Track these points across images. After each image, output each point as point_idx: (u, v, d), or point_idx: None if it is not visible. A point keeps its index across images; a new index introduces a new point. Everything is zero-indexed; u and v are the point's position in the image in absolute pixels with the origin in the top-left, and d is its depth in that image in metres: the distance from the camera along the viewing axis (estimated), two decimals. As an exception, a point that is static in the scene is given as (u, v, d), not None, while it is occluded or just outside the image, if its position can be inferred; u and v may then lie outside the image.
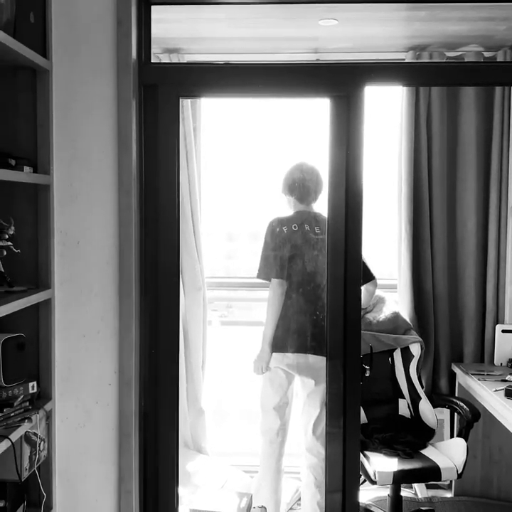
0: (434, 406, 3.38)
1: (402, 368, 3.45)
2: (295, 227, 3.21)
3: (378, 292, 3.63)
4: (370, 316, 3.56)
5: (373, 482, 2.88)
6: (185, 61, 3.42)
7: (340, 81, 2.24)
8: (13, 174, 1.99)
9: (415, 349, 3.41)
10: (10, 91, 2.16)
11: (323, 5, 2.73)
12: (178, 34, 3.26)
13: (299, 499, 3.44)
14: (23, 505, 2.21)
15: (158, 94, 2.26)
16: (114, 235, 2.25)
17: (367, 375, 2.42)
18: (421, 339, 3.46)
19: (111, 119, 2.21)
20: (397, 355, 3.45)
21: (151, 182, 2.31)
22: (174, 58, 3.33)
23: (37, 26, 2.09)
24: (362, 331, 3.38)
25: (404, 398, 3.40)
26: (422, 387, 3.40)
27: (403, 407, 3.41)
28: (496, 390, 3.02)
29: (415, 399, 3.38)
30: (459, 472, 2.91)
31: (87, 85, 2.20)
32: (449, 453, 3.06)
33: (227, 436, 4.29)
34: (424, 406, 3.35)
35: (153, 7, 2.30)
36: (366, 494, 3.47)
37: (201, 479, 3.50)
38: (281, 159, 3.72)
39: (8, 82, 2.16)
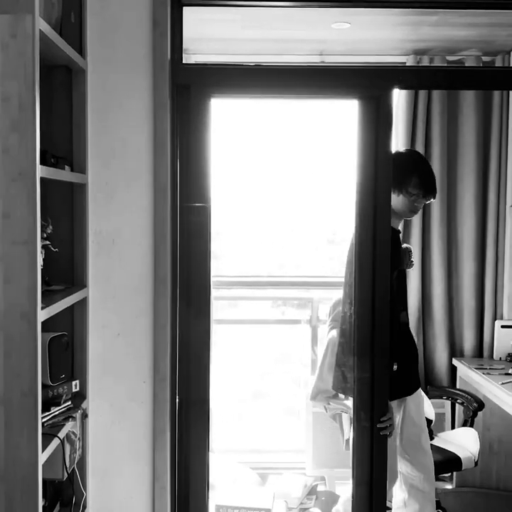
0: (430, 397, 3.48)
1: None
2: None
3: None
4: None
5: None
6: (192, 61, 3.45)
7: (369, 83, 2.30)
8: (55, 172, 1.99)
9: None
10: (46, 90, 2.15)
11: (337, 9, 2.81)
12: (185, 34, 3.29)
13: (309, 493, 3.50)
14: (58, 503, 2.21)
15: (191, 95, 2.29)
16: (149, 234, 2.26)
17: (395, 369, 2.48)
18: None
19: (146, 120, 2.23)
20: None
21: (185, 182, 2.33)
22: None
23: (76, 26, 2.10)
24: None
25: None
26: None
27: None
28: (503, 383, 3.13)
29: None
30: (476, 460, 3.01)
31: (123, 85, 2.21)
32: (461, 443, 3.16)
33: (231, 433, 4.33)
34: (422, 399, 3.43)
35: (184, 8, 2.33)
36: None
37: (211, 477, 3.53)
38: (285, 161, 3.78)
39: (44, 81, 2.15)
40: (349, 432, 3.25)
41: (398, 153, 2.74)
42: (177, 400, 2.39)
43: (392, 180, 2.37)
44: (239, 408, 4.81)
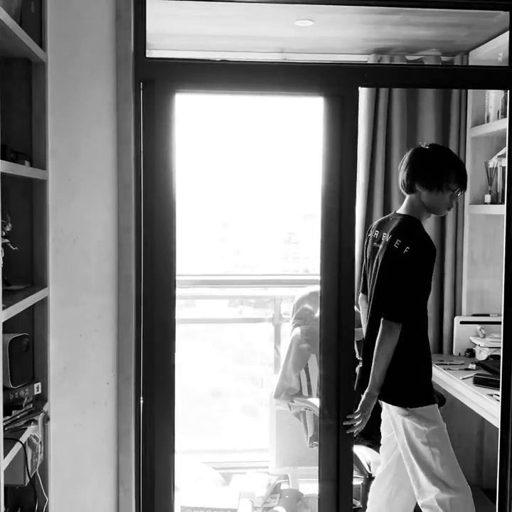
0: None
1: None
2: None
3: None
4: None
5: (369, 474, 2.96)
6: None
7: (335, 81, 2.30)
8: (14, 168, 1.92)
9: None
10: (5, 83, 2.08)
11: (302, 5, 2.80)
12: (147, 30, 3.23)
13: (273, 492, 3.49)
14: (19, 510, 2.14)
15: (155, 89, 2.25)
16: (112, 232, 2.21)
17: (360, 366, 2.49)
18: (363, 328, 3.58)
19: (109, 114, 2.18)
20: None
21: (149, 178, 2.29)
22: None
23: (36, 16, 2.04)
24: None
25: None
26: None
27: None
28: (464, 379, 3.18)
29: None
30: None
31: (85, 79, 2.16)
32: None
33: (192, 433, 4.29)
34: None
35: (147, 1, 2.28)
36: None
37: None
38: (252, 156, 3.76)
39: (3, 74, 2.09)
40: (313, 430, 3.26)
41: (422, 150, 2.64)
42: (141, 401, 2.35)
43: (427, 178, 2.47)
44: (199, 408, 4.78)
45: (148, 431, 2.36)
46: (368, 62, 3.56)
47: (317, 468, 3.51)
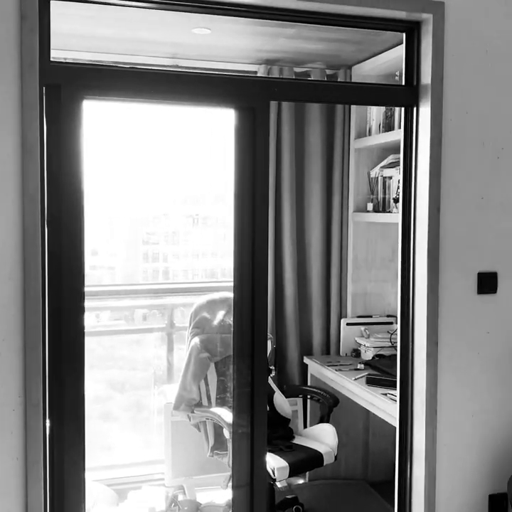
0: (287, 396, 3.61)
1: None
2: None
3: (229, 294, 3.75)
4: (228, 319, 3.67)
5: (273, 480, 3.00)
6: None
7: (247, 94, 2.31)
8: None
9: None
10: None
11: (199, 14, 2.78)
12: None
13: (172, 504, 3.44)
14: None
15: (61, 96, 2.12)
16: (16, 247, 2.06)
17: (272, 375, 2.52)
18: (271, 336, 3.67)
19: (13, 121, 2.02)
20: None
21: (54, 188, 2.15)
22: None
23: None
24: (224, 335, 3.51)
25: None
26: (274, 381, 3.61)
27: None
28: (356, 379, 3.33)
29: (270, 393, 3.57)
30: (335, 455, 3.17)
31: (-15, 83, 1.99)
32: (320, 439, 3.31)
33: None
34: (279, 398, 3.55)
35: (52, 2, 2.14)
36: (222, 494, 3.57)
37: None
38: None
39: None
40: (214, 439, 3.26)
41: None
42: (48, 426, 2.21)
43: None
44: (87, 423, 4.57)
45: (57, 458, 2.22)
46: (259, 73, 3.62)
47: (213, 476, 3.54)
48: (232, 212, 2.39)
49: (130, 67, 2.24)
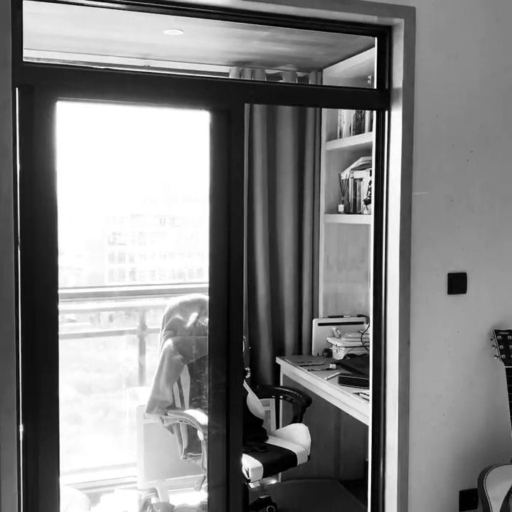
0: (260, 397, 3.62)
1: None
2: None
3: (202, 296, 3.76)
4: (201, 321, 3.67)
5: (247, 480, 3.01)
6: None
7: (222, 97, 2.32)
8: None
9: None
10: None
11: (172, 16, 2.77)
12: None
13: (148, 507, 3.42)
14: None
15: (35, 97, 2.10)
16: (-11, 250, 2.03)
17: (248, 376, 2.53)
18: (244, 337, 3.68)
19: (-15, 122, 1.99)
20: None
21: (28, 189, 2.13)
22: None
23: None
24: (198, 336, 3.51)
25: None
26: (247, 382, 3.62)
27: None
28: (328, 379, 3.36)
29: (243, 394, 3.58)
30: (309, 454, 3.19)
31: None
32: (293, 439, 3.33)
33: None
34: (252, 399, 3.56)
35: (24, 2, 2.12)
36: (195, 496, 3.57)
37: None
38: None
39: None
40: (187, 441, 3.25)
41: None
42: (21, 431, 2.18)
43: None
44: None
45: (31, 462, 2.20)
46: (231, 75, 3.63)
47: (186, 478, 3.53)
48: (208, 214, 2.39)
49: (105, 69, 2.23)
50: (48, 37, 3.11)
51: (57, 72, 2.16)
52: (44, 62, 2.27)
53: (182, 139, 4.34)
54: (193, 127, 4.04)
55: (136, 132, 4.24)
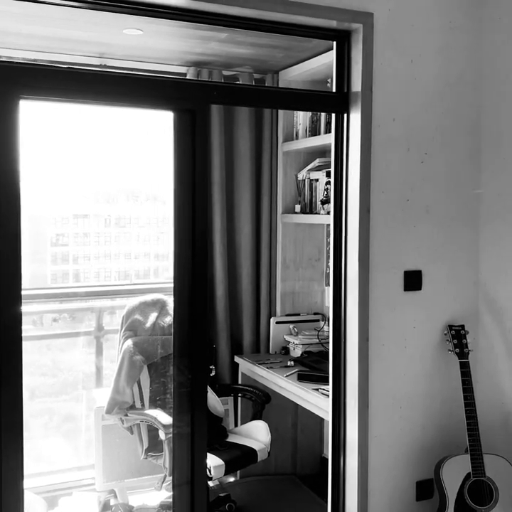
0: (220, 395, 3.65)
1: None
2: None
3: (161, 296, 3.76)
4: (160, 321, 3.66)
5: (209, 478, 3.02)
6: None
7: (186, 97, 2.33)
8: None
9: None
10: None
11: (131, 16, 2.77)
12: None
13: (109, 509, 3.40)
14: None
15: (-4, 95, 2.07)
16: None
17: (212, 374, 2.56)
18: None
19: None
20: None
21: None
22: None
23: None
24: (158, 337, 3.51)
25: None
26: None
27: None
28: (287, 375, 3.42)
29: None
30: (269, 451, 3.24)
31: None
32: (253, 435, 3.37)
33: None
34: (212, 398, 3.57)
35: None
36: (154, 496, 3.58)
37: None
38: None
39: None
40: (148, 441, 3.25)
41: None
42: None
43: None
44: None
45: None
46: (188, 75, 3.64)
47: (145, 479, 3.53)
48: (172, 214, 2.40)
49: (68, 67, 2.21)
50: (7, 34, 3.06)
51: (20, 71, 2.13)
52: (5, 60, 2.23)
53: (136, 139, 4.31)
54: (144, 127, 4.05)
55: (87, 132, 4.19)
